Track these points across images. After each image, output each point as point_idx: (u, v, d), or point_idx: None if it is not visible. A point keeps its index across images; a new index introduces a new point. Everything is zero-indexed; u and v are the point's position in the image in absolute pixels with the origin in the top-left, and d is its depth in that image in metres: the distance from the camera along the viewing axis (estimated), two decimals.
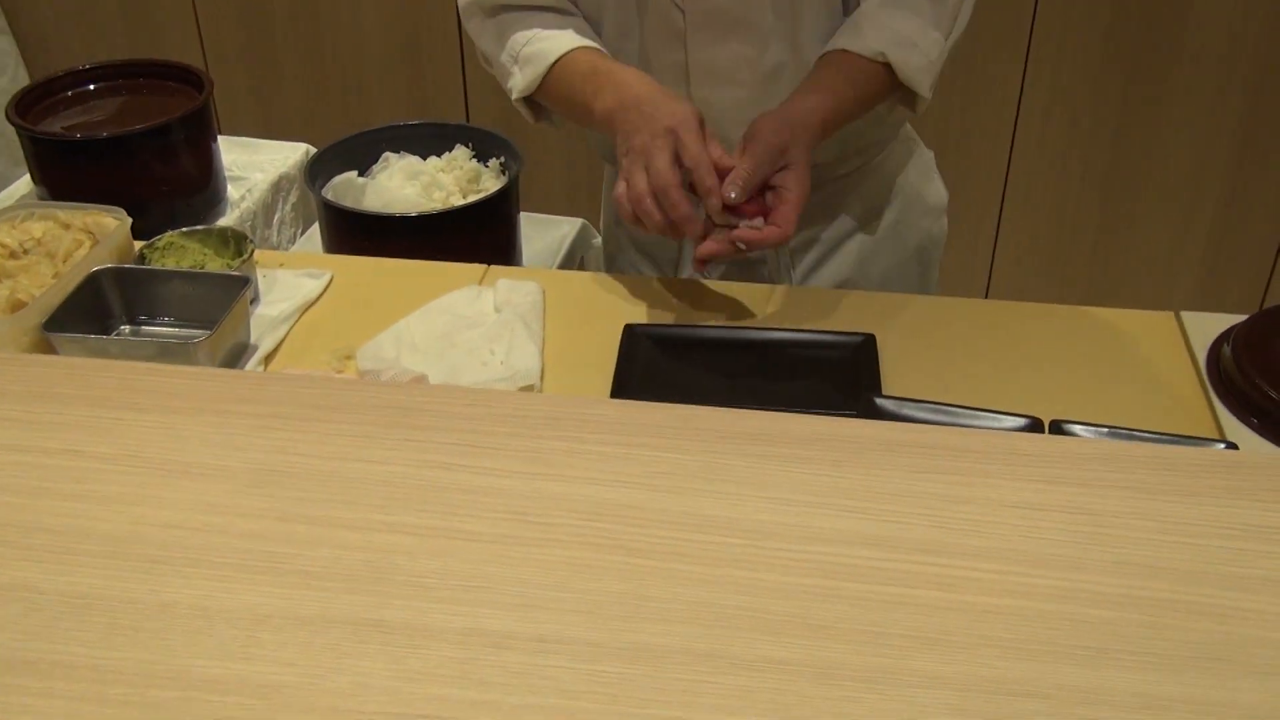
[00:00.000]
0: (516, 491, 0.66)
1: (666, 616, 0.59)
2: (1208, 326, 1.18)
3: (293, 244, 1.74)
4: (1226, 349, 1.12)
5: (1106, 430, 0.89)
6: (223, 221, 1.62)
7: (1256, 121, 2.21)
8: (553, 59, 1.15)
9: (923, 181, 1.41)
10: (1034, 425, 0.88)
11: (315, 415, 0.71)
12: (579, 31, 1.18)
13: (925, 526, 0.63)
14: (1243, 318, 1.17)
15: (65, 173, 1.54)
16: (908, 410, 0.88)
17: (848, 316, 1.19)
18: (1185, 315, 1.20)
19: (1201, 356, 1.14)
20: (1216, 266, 2.38)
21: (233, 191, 1.70)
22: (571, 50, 1.15)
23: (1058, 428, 0.88)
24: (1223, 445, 0.86)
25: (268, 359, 1.12)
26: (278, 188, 1.74)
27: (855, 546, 0.62)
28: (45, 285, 1.08)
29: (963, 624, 0.58)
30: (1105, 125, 2.25)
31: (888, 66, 1.13)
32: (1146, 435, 0.88)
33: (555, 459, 0.68)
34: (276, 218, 1.74)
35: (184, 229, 1.22)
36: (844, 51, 1.14)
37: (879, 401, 0.90)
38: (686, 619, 0.59)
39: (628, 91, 1.10)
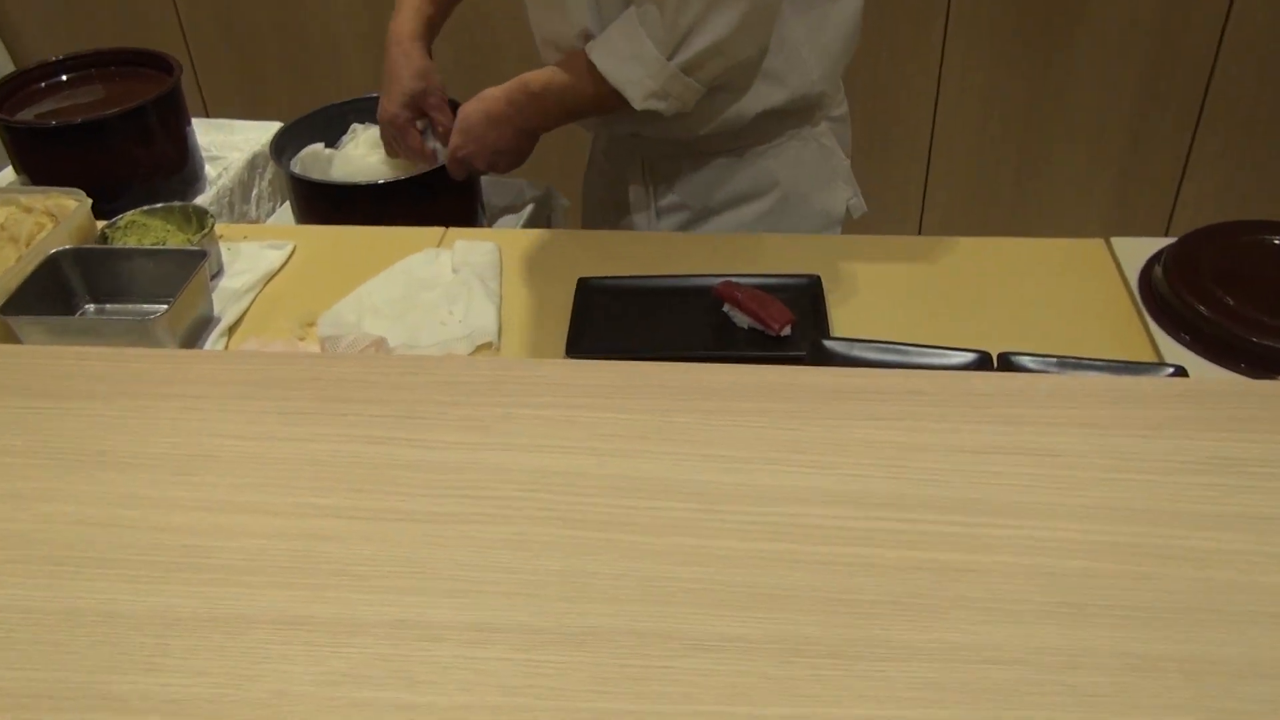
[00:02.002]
0: (454, 464, 0.54)
1: (613, 595, 0.47)
2: (1137, 250, 1.06)
3: (271, 218, 1.60)
4: (1158, 270, 1.01)
5: (1055, 360, 0.77)
6: (201, 199, 1.48)
7: (1160, 62, 2.09)
8: None
9: (813, 186, 1.19)
10: (983, 359, 0.77)
11: (242, 393, 0.59)
12: None
13: (885, 479, 0.52)
14: (1170, 240, 1.05)
15: (44, 160, 1.39)
16: (857, 351, 0.77)
17: (794, 259, 1.07)
18: (1115, 241, 1.08)
19: (1133, 279, 1.03)
20: (1125, 197, 2.26)
21: (210, 170, 1.55)
22: None
23: (1006, 361, 0.77)
24: (1170, 370, 0.76)
25: (231, 330, 0.99)
26: (253, 165, 1.59)
27: (813, 505, 0.51)
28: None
29: (932, 585, 0.47)
30: (1022, 67, 2.12)
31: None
32: (1095, 363, 0.77)
33: (495, 426, 0.56)
34: (254, 193, 1.59)
35: (145, 207, 1.08)
36: (580, 53, 1.06)
37: (827, 344, 0.78)
38: (635, 596, 0.47)
39: (392, 29, 1.24)
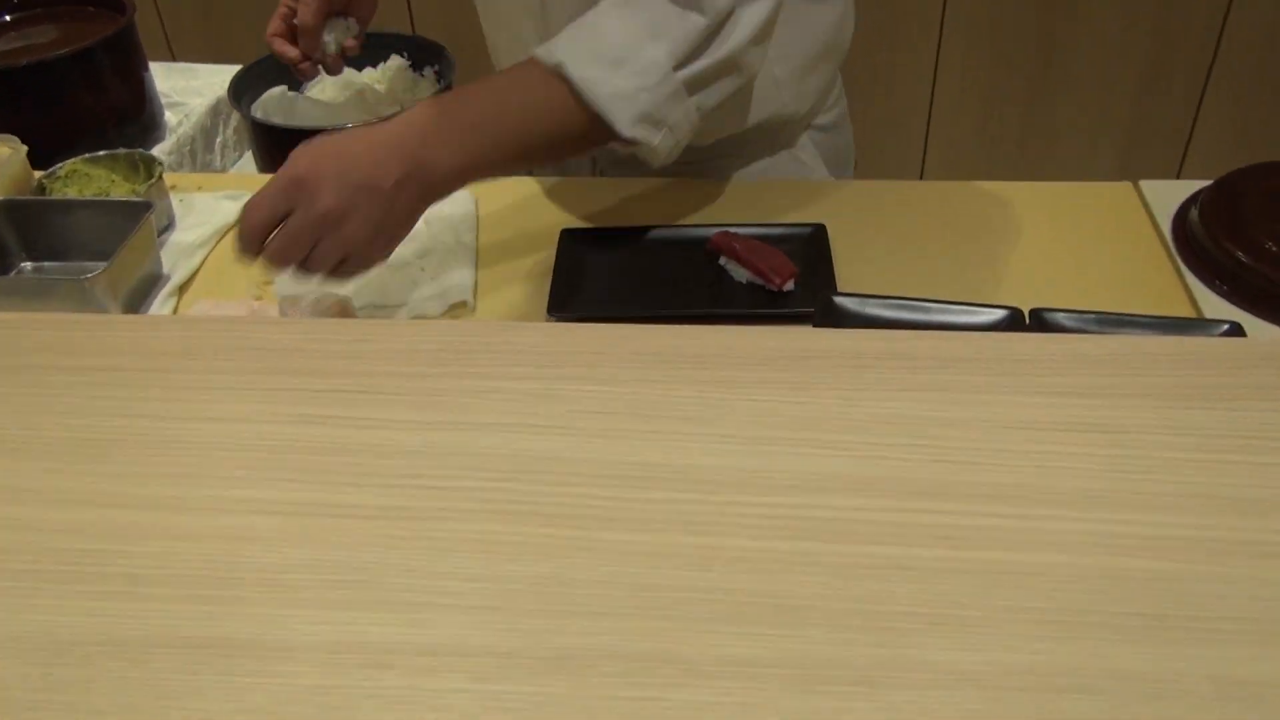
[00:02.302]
0: (408, 448, 0.45)
1: (597, 608, 0.39)
2: (1169, 194, 0.97)
3: (235, 168, 1.50)
4: (1194, 215, 0.92)
5: (1094, 317, 0.69)
6: (160, 148, 1.38)
7: (1168, 11, 1.98)
8: None
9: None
10: (1014, 317, 0.69)
11: (158, 366, 0.50)
12: None
13: (917, 462, 0.44)
14: (1205, 183, 0.96)
15: None
16: (872, 309, 0.68)
17: (793, 207, 0.98)
18: (1145, 184, 0.99)
19: (1166, 225, 0.94)
20: (1136, 141, 2.17)
21: (170, 117, 1.44)
22: None
23: (1039, 318, 0.69)
24: (1224, 327, 0.67)
25: (182, 289, 0.90)
26: (217, 111, 1.49)
27: (833, 494, 0.43)
28: None
29: (978, 591, 0.39)
30: (1027, 12, 2.02)
31: (570, 87, 0.75)
32: (1139, 320, 0.68)
33: (456, 402, 0.47)
34: (218, 141, 1.49)
35: (88, 155, 0.98)
36: (526, 61, 0.77)
37: (838, 300, 0.70)
38: (622, 610, 0.39)
39: None
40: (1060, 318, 0.69)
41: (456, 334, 0.52)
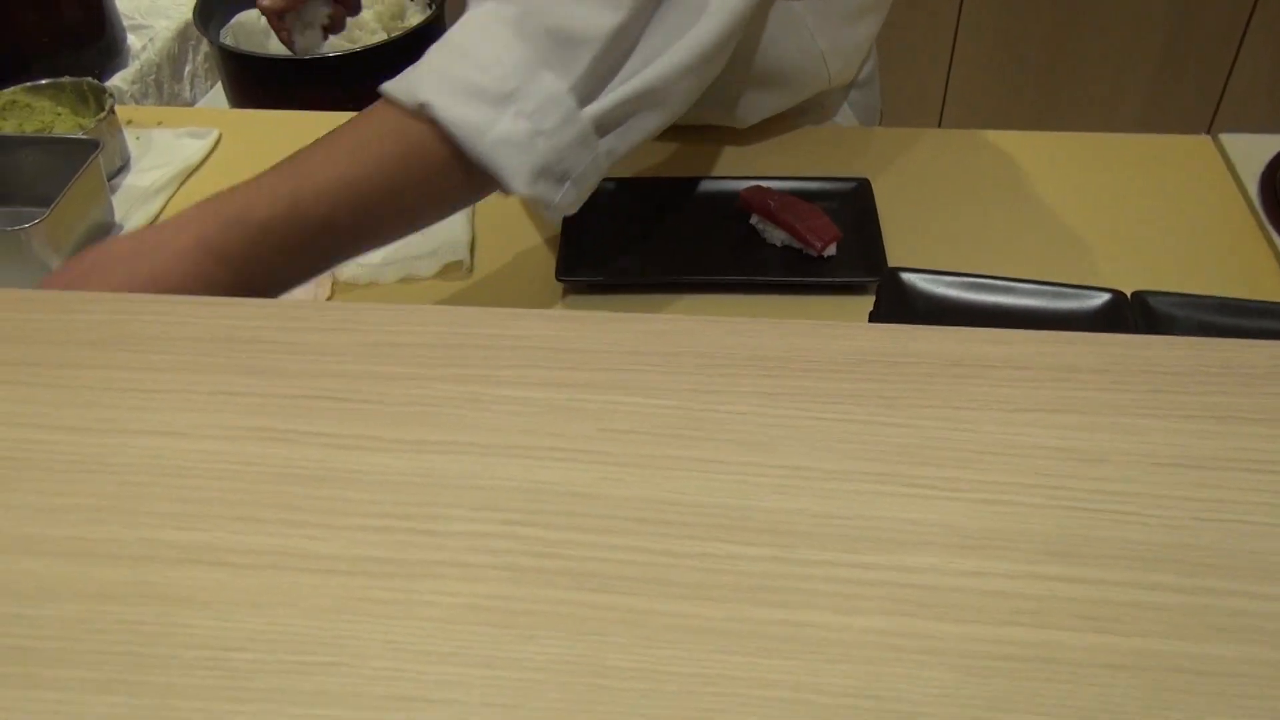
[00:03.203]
0: (395, 477, 0.36)
1: (643, 708, 0.30)
2: (1254, 149, 0.87)
3: (204, 100, 1.38)
4: None
5: (1213, 304, 0.59)
6: (121, 76, 1.26)
7: None
8: None
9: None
10: (1117, 302, 0.59)
11: (82, 359, 0.40)
12: None
13: (1053, 509, 0.34)
14: None
15: None
16: (944, 289, 0.58)
17: (831, 157, 0.88)
18: (1225, 138, 0.89)
19: (1251, 185, 0.84)
20: (1164, 90, 2.05)
21: (134, 41, 1.32)
22: None
23: (1144, 304, 0.59)
24: None
25: None
26: (185, 36, 1.36)
27: (945, 552, 0.33)
28: None
29: (1144, 697, 0.30)
30: None
31: (437, 131, 0.58)
32: (1266, 306, 0.59)
33: (455, 416, 0.38)
34: (187, 70, 1.37)
35: (29, 84, 0.87)
36: (377, 104, 0.61)
37: (905, 276, 0.60)
38: (678, 713, 0.30)
39: None
40: (1169, 305, 0.59)
41: (454, 324, 0.42)
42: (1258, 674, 0.30)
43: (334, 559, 0.34)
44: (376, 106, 0.61)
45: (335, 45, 1.12)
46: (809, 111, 0.91)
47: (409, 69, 0.60)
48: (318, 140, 0.61)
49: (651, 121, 0.63)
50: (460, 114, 0.57)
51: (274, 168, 0.61)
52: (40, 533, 0.34)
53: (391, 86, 0.60)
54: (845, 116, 0.95)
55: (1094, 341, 0.41)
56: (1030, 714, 0.29)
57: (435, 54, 0.60)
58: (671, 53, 0.61)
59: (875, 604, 0.32)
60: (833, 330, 0.41)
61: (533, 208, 0.65)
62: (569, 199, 0.62)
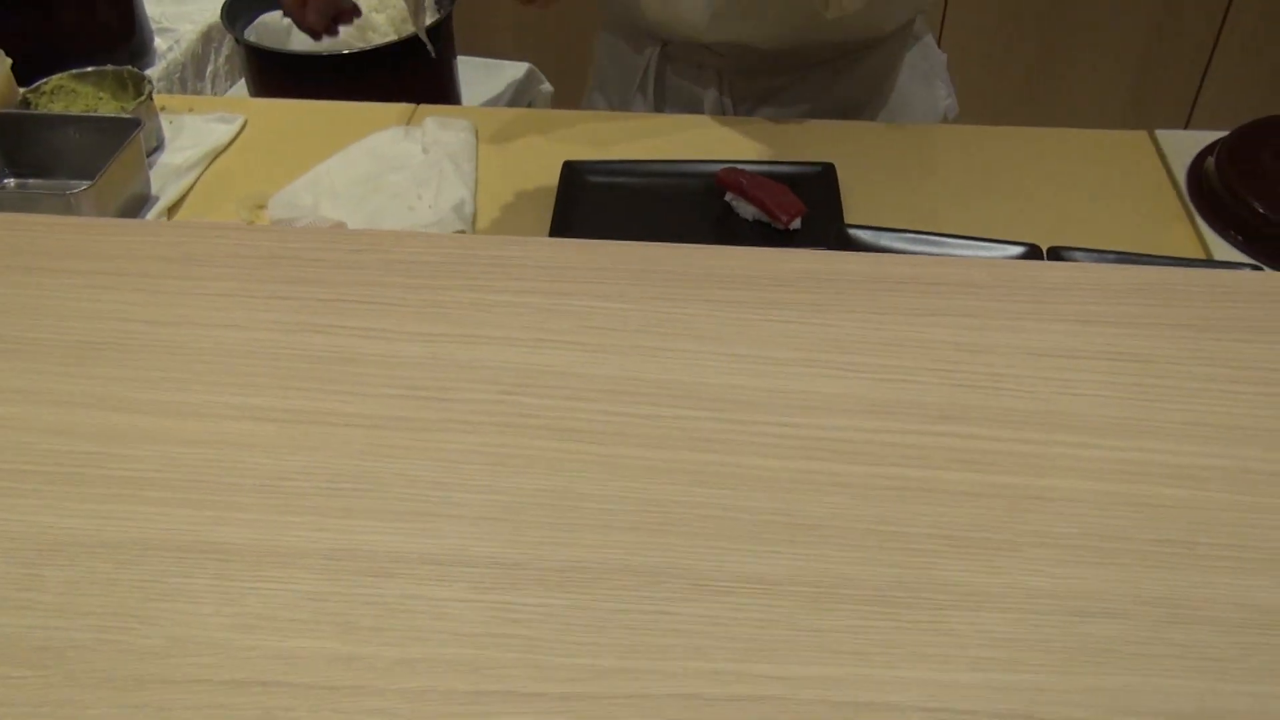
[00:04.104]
0: (411, 359, 0.44)
1: (607, 522, 0.38)
2: (1185, 144, 0.96)
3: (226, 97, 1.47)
4: (1210, 164, 0.91)
5: (1114, 256, 0.68)
6: (149, 74, 1.35)
7: None
8: None
9: (918, 85, 1.05)
10: (1032, 253, 0.68)
11: (160, 271, 0.48)
12: None
13: (940, 385, 0.43)
14: (1221, 133, 0.95)
15: None
16: (886, 241, 0.67)
17: (802, 145, 0.96)
18: (1160, 133, 0.98)
19: (1181, 174, 0.93)
20: (1145, 88, 2.14)
21: (160, 43, 1.41)
22: None
23: (1057, 255, 0.68)
24: (1245, 269, 0.66)
25: (171, 211, 0.88)
26: (208, 38, 1.45)
27: (854, 415, 0.41)
28: None
29: (1002, 516, 0.38)
30: None
31: None
32: (1160, 260, 0.67)
33: (462, 315, 0.46)
34: (209, 70, 1.46)
35: (74, 71, 0.96)
36: None
37: (852, 232, 0.68)
38: (633, 524, 0.38)
39: None
40: (1079, 256, 0.68)
41: (460, 246, 0.50)
42: (1085, 498, 0.38)
43: (361, 416, 0.42)
44: None
45: (349, 44, 1.21)
46: (912, 28, 1.01)
47: None
48: None
49: None
50: None
51: None
52: (128, 396, 0.43)
53: None
54: (932, 43, 1.05)
55: (992, 264, 0.49)
56: (910, 527, 0.38)
57: None
58: None
59: (795, 451, 0.40)
60: (776, 254, 0.49)
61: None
62: None
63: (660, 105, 1.05)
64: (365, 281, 0.48)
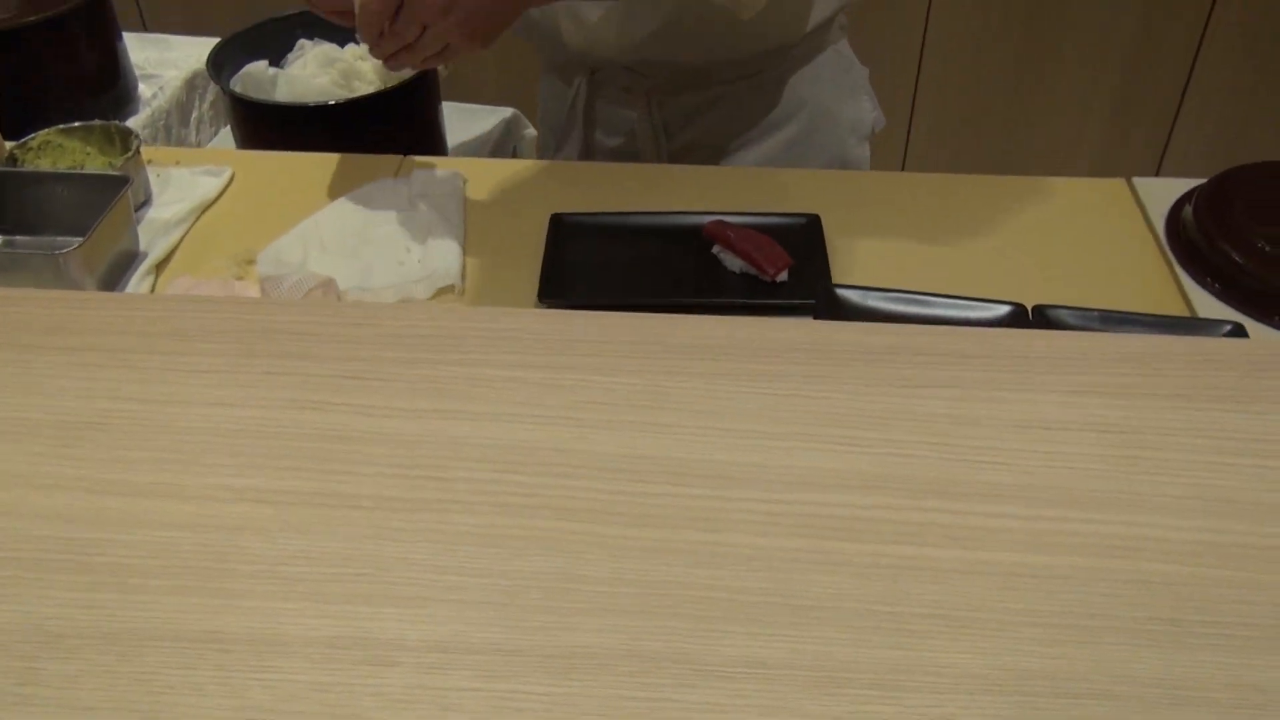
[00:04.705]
0: (408, 436, 0.44)
1: (606, 605, 0.38)
2: (1163, 192, 0.98)
3: (211, 144, 1.47)
4: (1188, 212, 0.92)
5: (1098, 315, 0.69)
6: (133, 121, 1.35)
7: (1152, 6, 1.99)
8: None
9: (839, 100, 1.09)
10: (1018, 313, 0.69)
11: (148, 347, 0.48)
12: None
13: (932, 460, 0.43)
14: (1199, 181, 0.97)
15: None
16: (874, 301, 0.68)
17: (787, 196, 0.98)
18: (1138, 181, 1.00)
19: (1159, 222, 0.95)
20: (1118, 133, 2.18)
21: (144, 90, 1.41)
22: None
23: (1042, 314, 0.69)
24: (1227, 328, 0.67)
25: (159, 267, 0.88)
26: (192, 85, 1.46)
27: (848, 491, 0.42)
28: None
29: (994, 593, 0.38)
30: (1014, 2, 2.02)
31: None
32: (1142, 318, 0.68)
33: (457, 390, 0.46)
34: (194, 116, 1.46)
35: (62, 126, 0.96)
36: None
37: (840, 292, 0.69)
38: (632, 607, 0.38)
39: None
40: (1064, 315, 0.69)
41: (455, 319, 0.51)
42: (1077, 576, 0.39)
43: (359, 497, 0.42)
44: None
45: (335, 94, 1.21)
46: (823, 34, 1.03)
47: None
48: None
49: None
50: None
51: None
52: (121, 479, 0.42)
53: None
54: (847, 49, 1.07)
55: (979, 334, 0.50)
56: (906, 607, 0.38)
57: None
58: None
59: (791, 529, 0.41)
60: (767, 324, 0.50)
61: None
62: None
63: (591, 131, 1.09)
64: (358, 356, 0.48)
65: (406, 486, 0.42)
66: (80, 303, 0.51)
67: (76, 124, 0.96)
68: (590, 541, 0.40)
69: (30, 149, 0.94)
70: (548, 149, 1.20)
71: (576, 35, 1.00)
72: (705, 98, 1.03)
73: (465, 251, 0.91)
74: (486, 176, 1.01)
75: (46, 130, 0.95)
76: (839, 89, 1.07)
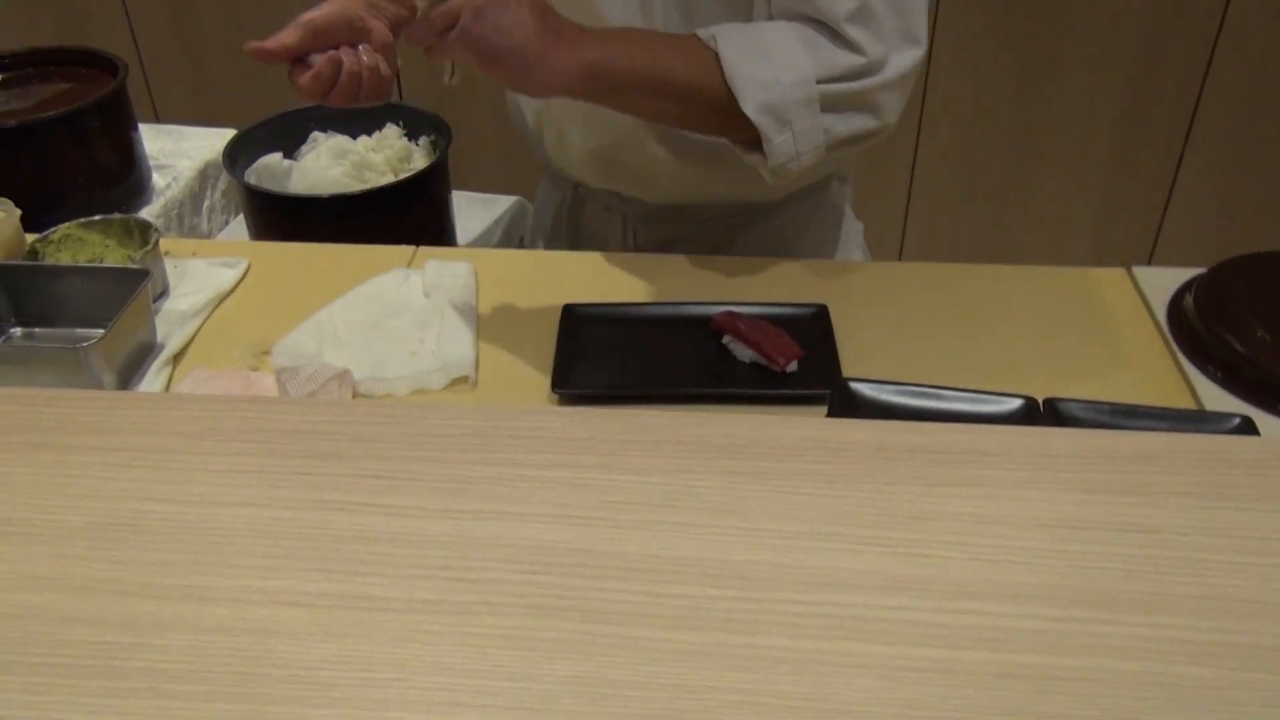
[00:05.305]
0: (437, 538, 0.45)
1: (638, 710, 0.38)
2: (1162, 281, 0.99)
3: (223, 232, 1.49)
4: (1189, 302, 0.94)
5: (1108, 409, 0.70)
6: (147, 210, 1.37)
7: (1139, 97, 2.05)
8: None
9: (825, 251, 1.10)
10: (1030, 407, 0.70)
11: (179, 447, 0.49)
12: None
13: (958, 560, 0.44)
14: (1198, 271, 0.98)
15: None
16: (887, 395, 0.69)
17: (793, 286, 0.99)
18: (1138, 270, 1.01)
19: (1160, 311, 0.96)
20: (1108, 223, 2.22)
21: (158, 180, 1.44)
22: None
23: (1053, 408, 0.70)
24: (1236, 420, 0.68)
25: (176, 358, 0.89)
26: (205, 174, 1.48)
27: (876, 593, 0.42)
28: None
29: (1027, 698, 0.39)
30: (1006, 88, 2.07)
31: (717, 58, 0.80)
32: (1151, 411, 0.69)
33: (484, 490, 0.47)
34: (205, 205, 1.49)
35: (82, 220, 0.97)
36: (690, 33, 0.83)
37: (854, 386, 0.70)
38: (666, 713, 0.38)
39: None
40: (1075, 409, 0.70)
41: (480, 419, 0.51)
42: (1106, 679, 0.39)
43: (390, 600, 0.42)
44: (691, 37, 0.82)
45: (348, 185, 1.24)
46: (819, 190, 1.05)
47: (712, 27, 0.81)
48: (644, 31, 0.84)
49: (863, 122, 0.82)
50: (730, 50, 0.79)
51: (628, 32, 0.83)
52: (153, 581, 0.43)
53: (700, 30, 0.82)
54: (838, 196, 1.08)
55: (996, 432, 0.51)
56: (937, 711, 0.38)
57: (735, 24, 0.82)
58: (888, 70, 0.80)
59: (820, 631, 0.41)
60: (788, 422, 0.50)
61: (762, 161, 0.83)
62: (787, 149, 0.80)
63: (575, 242, 1.12)
64: (386, 456, 0.49)
65: (436, 588, 0.42)
66: (112, 403, 0.52)
67: (97, 217, 0.97)
68: (621, 644, 0.40)
69: (51, 242, 0.96)
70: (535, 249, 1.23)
71: (558, 153, 1.04)
72: (683, 231, 1.05)
73: (478, 342, 0.92)
74: (497, 267, 1.03)
75: (67, 224, 0.97)
76: (825, 242, 1.09)
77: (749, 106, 0.79)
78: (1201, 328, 0.91)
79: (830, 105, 0.80)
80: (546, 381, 0.86)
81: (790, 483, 0.47)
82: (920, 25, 0.82)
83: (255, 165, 1.26)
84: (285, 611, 0.42)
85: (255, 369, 0.88)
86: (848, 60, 0.80)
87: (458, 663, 0.40)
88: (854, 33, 0.79)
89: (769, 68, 0.79)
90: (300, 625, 0.41)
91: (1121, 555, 0.44)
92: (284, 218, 1.18)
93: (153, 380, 0.86)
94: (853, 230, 1.11)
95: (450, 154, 1.29)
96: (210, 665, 0.40)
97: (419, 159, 1.31)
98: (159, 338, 0.90)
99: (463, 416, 0.51)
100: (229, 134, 1.55)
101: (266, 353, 0.89)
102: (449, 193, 1.31)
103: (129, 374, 0.85)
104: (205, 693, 0.39)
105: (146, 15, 2.20)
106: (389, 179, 1.27)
